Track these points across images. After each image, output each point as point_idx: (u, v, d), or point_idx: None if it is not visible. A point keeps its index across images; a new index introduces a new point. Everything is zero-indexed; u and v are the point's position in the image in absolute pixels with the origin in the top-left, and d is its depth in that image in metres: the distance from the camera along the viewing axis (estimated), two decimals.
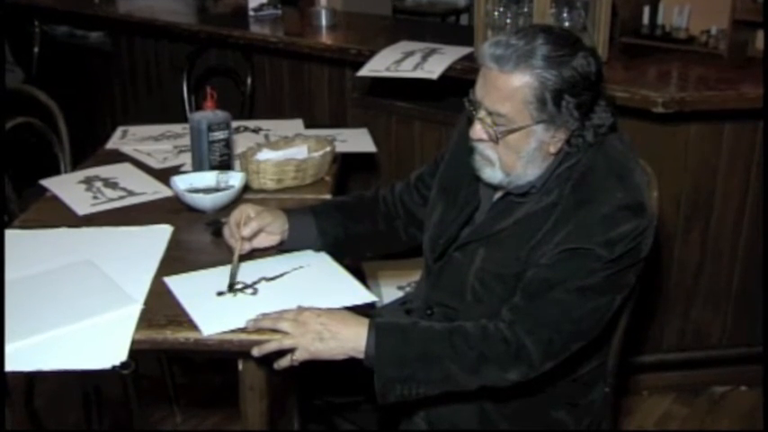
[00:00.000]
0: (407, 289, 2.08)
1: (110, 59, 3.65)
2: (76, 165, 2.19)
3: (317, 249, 1.59)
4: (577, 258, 1.29)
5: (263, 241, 1.56)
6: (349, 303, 1.39)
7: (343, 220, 1.62)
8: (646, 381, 2.40)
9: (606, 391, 1.56)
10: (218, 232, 1.67)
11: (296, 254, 1.57)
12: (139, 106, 3.65)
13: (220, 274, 1.48)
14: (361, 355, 1.31)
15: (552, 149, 1.34)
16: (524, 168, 1.35)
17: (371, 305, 1.47)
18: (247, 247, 1.54)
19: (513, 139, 1.33)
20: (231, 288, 1.43)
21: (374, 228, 1.66)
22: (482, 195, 1.47)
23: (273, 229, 1.55)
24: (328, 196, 1.92)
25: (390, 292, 2.05)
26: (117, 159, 2.19)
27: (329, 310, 1.34)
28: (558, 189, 1.34)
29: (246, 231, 1.51)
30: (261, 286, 1.45)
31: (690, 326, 2.38)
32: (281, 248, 1.58)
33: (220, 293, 1.41)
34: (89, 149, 2.31)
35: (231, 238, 1.54)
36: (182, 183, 1.85)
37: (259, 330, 1.31)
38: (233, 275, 1.45)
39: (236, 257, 1.48)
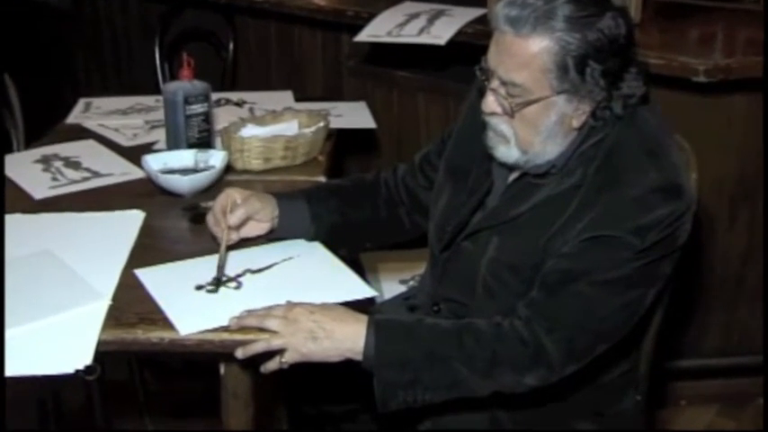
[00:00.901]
0: (411, 283, 2.11)
1: (69, 21, 3.67)
2: (31, 142, 2.22)
3: (311, 238, 1.61)
4: (604, 247, 1.31)
5: (251, 230, 1.59)
6: (345, 298, 1.42)
7: (340, 206, 1.65)
8: (684, 389, 2.43)
9: (637, 399, 1.58)
10: (196, 218, 1.70)
11: (286, 243, 1.60)
12: (105, 75, 3.67)
13: (199, 266, 1.51)
14: (359, 357, 1.34)
15: (575, 124, 1.36)
16: (543, 145, 1.37)
17: (371, 301, 1.49)
18: (235, 236, 1.56)
19: (530, 112, 1.34)
20: (219, 283, 1.46)
21: (374, 214, 1.69)
22: (495, 177, 1.50)
23: (262, 216, 1.58)
24: (322, 178, 1.95)
25: (392, 287, 2.08)
26: (79, 136, 2.21)
27: (323, 305, 1.37)
28: (582, 169, 1.36)
29: (233, 219, 1.53)
30: (246, 279, 1.47)
31: (735, 326, 2.39)
32: (270, 237, 1.61)
33: (199, 287, 1.44)
34: (46, 124, 2.34)
35: (216, 227, 1.56)
36: (155, 162, 1.87)
37: (243, 329, 1.34)
38: (220, 268, 1.48)
39: (223, 248, 1.50)
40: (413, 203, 1.70)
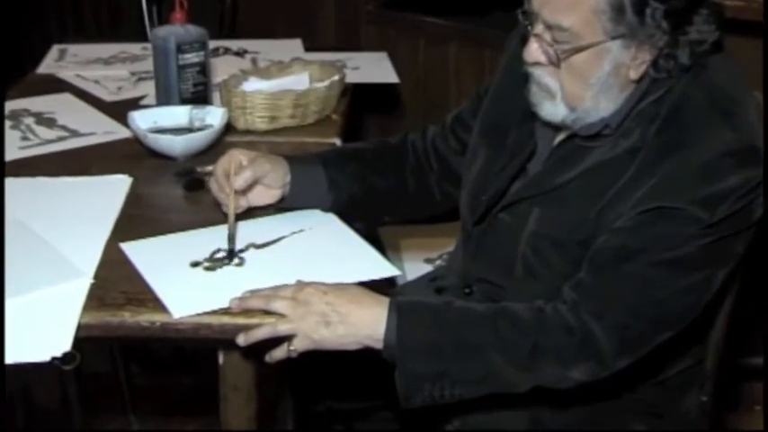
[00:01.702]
0: (438, 262, 2.12)
1: None
2: None
3: (327, 208, 1.63)
4: (665, 221, 1.31)
5: (258, 197, 1.60)
6: (364, 278, 1.43)
7: (362, 173, 1.66)
8: (759, 392, 2.43)
9: (703, 400, 1.59)
10: (191, 185, 1.72)
11: (296, 214, 1.62)
12: (81, 18, 3.68)
13: (195, 240, 1.53)
14: (378, 345, 1.35)
15: (633, 75, 1.36)
16: (595, 101, 1.37)
17: (391, 282, 1.51)
18: (244, 203, 1.58)
19: (579, 61, 1.34)
20: (232, 255, 1.48)
21: (401, 183, 1.70)
22: (539, 139, 1.50)
23: (272, 180, 1.59)
24: (337, 141, 1.96)
25: (416, 267, 2.09)
26: (53, 88, 2.24)
27: (338, 285, 1.38)
28: (641, 129, 1.36)
29: (239, 182, 1.54)
30: (249, 255, 1.49)
31: None
32: (280, 206, 1.62)
33: (195, 264, 1.46)
34: (13, 75, 2.36)
35: (221, 193, 1.58)
36: (143, 120, 1.89)
37: (246, 312, 1.35)
38: (231, 238, 1.50)
39: (231, 216, 1.52)
40: (444, 171, 1.71)
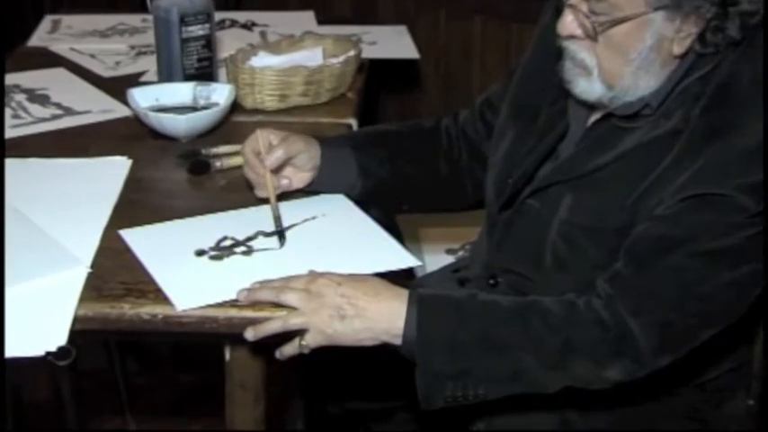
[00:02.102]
0: (460, 253, 2.13)
1: None
2: None
3: (354, 195, 1.64)
4: (709, 209, 1.31)
5: (288, 180, 1.60)
6: (381, 268, 1.44)
7: (393, 158, 1.67)
8: None
9: (749, 404, 1.60)
10: (196, 168, 1.73)
11: (308, 199, 1.63)
12: None
13: (201, 227, 1.54)
14: (397, 341, 1.36)
15: (677, 50, 1.36)
16: (635, 78, 1.37)
17: (411, 273, 1.51)
18: (284, 182, 1.58)
19: (618, 34, 1.34)
20: (281, 237, 1.49)
21: (434, 171, 1.71)
22: (572, 118, 1.50)
23: (303, 161, 1.60)
24: (351, 121, 1.97)
25: (436, 258, 2.11)
26: (46, 63, 2.25)
27: (353, 276, 1.39)
28: (684, 110, 1.36)
29: (271, 160, 1.55)
30: (258, 243, 1.50)
31: None
32: (307, 190, 1.63)
33: (201, 253, 1.47)
34: (2, 48, 2.36)
35: (251, 172, 1.59)
36: (143, 98, 1.90)
37: (255, 304, 1.36)
38: (277, 220, 1.51)
39: (272, 196, 1.53)
40: (474, 158, 1.71)
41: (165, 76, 2.00)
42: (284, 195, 1.60)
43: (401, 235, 2.17)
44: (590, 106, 1.46)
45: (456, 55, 2.72)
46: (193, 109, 1.90)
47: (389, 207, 1.77)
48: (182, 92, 1.94)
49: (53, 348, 1.28)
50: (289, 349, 1.38)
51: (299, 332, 1.36)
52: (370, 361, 1.44)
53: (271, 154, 1.55)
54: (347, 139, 1.68)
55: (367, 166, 1.65)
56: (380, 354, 1.39)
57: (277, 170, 1.58)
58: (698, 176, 1.31)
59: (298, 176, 1.61)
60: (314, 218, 1.57)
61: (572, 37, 1.39)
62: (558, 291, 1.40)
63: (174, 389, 2.59)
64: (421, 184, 1.71)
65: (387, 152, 1.67)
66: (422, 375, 1.35)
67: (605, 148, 1.42)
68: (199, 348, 2.48)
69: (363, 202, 1.64)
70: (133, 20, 2.50)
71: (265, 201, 1.57)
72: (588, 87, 1.41)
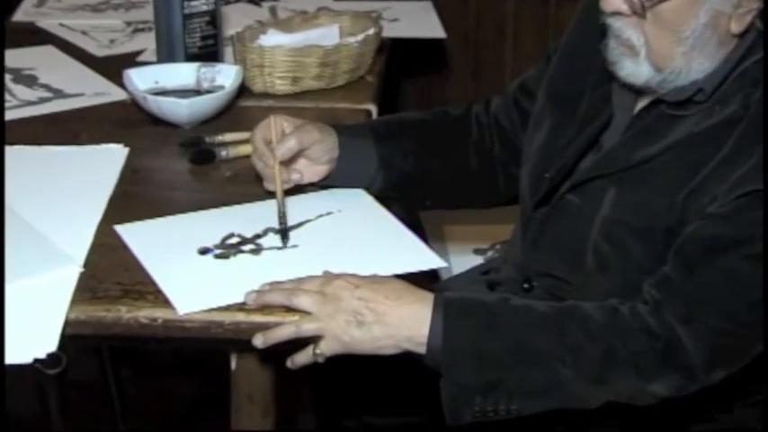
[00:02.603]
0: (490, 253, 2.13)
1: None
2: None
3: (374, 190, 1.65)
4: None
5: (300, 173, 1.60)
6: (403, 269, 1.44)
7: (418, 149, 1.67)
8: None
9: None
10: (199, 157, 1.73)
11: (323, 193, 1.63)
12: None
13: (204, 223, 1.54)
14: (420, 349, 1.35)
15: (735, 28, 1.35)
16: (687, 59, 1.36)
17: (435, 275, 1.51)
18: (295, 176, 1.58)
19: (669, 9, 1.34)
20: (284, 236, 1.49)
21: (462, 164, 1.71)
22: (616, 105, 1.50)
23: (319, 152, 1.60)
24: (371, 107, 1.97)
25: (463, 258, 2.11)
26: (33, 40, 2.25)
27: (372, 278, 1.39)
28: (742, 96, 1.35)
29: (283, 150, 1.54)
30: (267, 241, 1.50)
31: None
32: (322, 184, 1.63)
33: (205, 251, 1.47)
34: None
35: (260, 163, 1.59)
36: (141, 80, 1.90)
37: (265, 308, 1.36)
38: (282, 217, 1.50)
39: (279, 191, 1.53)
40: (507, 150, 1.71)
41: (165, 55, 2.00)
42: (297, 188, 1.61)
43: (425, 233, 2.18)
44: (637, 91, 1.46)
45: (487, 34, 2.71)
46: (196, 92, 1.91)
47: (412, 203, 1.77)
48: (183, 73, 1.95)
49: (42, 355, 1.29)
50: (301, 358, 1.38)
51: (313, 339, 1.36)
52: (390, 371, 1.44)
53: (282, 143, 1.55)
54: (367, 128, 1.68)
55: (389, 159, 1.65)
56: (401, 363, 1.38)
57: (289, 161, 1.58)
58: (757, 171, 1.31)
59: (311, 169, 1.61)
60: (329, 213, 1.58)
61: (617, 13, 1.38)
62: (599, 295, 1.40)
63: (172, 400, 2.60)
64: (448, 179, 1.72)
65: (411, 143, 1.67)
66: (447, 387, 1.35)
67: (653, 138, 1.42)
68: (200, 356, 2.49)
69: (383, 198, 1.64)
70: None
71: (274, 194, 1.57)
72: (635, 70, 1.40)
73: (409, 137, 1.68)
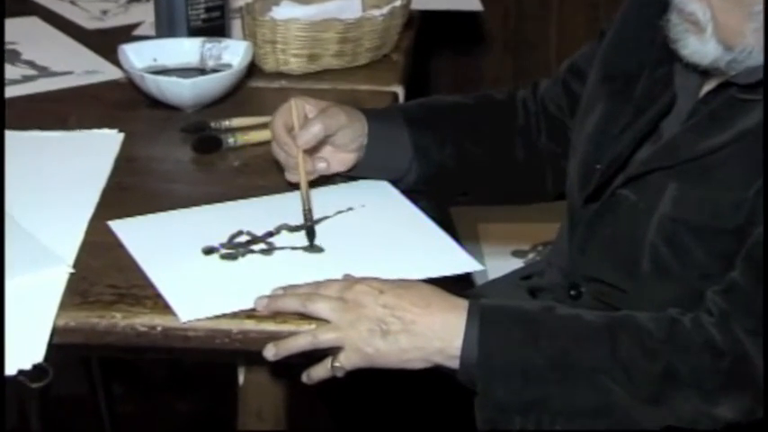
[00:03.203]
0: (531, 255, 2.13)
1: None
2: None
3: (407, 183, 1.65)
4: None
5: (326, 162, 1.60)
6: (434, 273, 1.44)
7: (457, 138, 1.68)
8: None
9: None
10: (204, 145, 1.74)
11: (342, 186, 1.64)
12: None
13: (210, 219, 1.55)
14: (453, 363, 1.35)
15: None
16: (758, 37, 1.36)
17: (469, 280, 1.50)
18: (321, 165, 1.59)
19: None
20: (311, 234, 1.49)
21: (506, 154, 1.72)
22: (679, 88, 1.49)
23: (346, 139, 1.60)
24: (397, 89, 1.97)
25: (501, 261, 2.10)
26: (15, 10, 2.25)
27: (398, 282, 1.38)
28: None
29: (306, 137, 1.55)
30: (281, 240, 1.50)
31: None
32: (348, 175, 1.64)
33: (210, 251, 1.47)
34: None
35: (281, 151, 1.60)
36: (138, 57, 1.91)
37: (278, 316, 1.36)
38: (307, 214, 1.51)
39: (303, 183, 1.54)
40: (555, 140, 1.72)
41: (165, 29, 2.01)
42: (315, 181, 1.60)
43: (456, 232, 2.17)
44: (702, 72, 1.46)
45: (530, 7, 2.71)
46: (200, 71, 1.92)
47: (446, 197, 1.77)
48: (186, 50, 1.96)
49: (27, 366, 1.28)
50: (319, 372, 1.38)
51: (331, 351, 1.36)
52: (417, 387, 1.45)
53: (306, 129, 1.55)
54: (399, 112, 1.68)
55: (425, 148, 1.65)
56: (431, 378, 1.38)
57: (313, 150, 1.58)
58: None
59: (338, 158, 1.62)
60: (350, 209, 1.58)
61: None
62: (656, 304, 1.40)
63: (170, 420, 2.61)
64: (491, 171, 1.72)
65: (449, 130, 1.68)
66: (483, 406, 1.35)
67: (721, 125, 1.41)
68: (203, 369, 2.49)
69: (410, 191, 1.65)
70: None
71: (294, 187, 1.57)
72: (700, 48, 1.40)
73: (447, 123, 1.69)
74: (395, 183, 1.66)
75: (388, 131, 1.64)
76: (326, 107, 1.59)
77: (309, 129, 1.55)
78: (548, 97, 1.74)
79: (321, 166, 1.59)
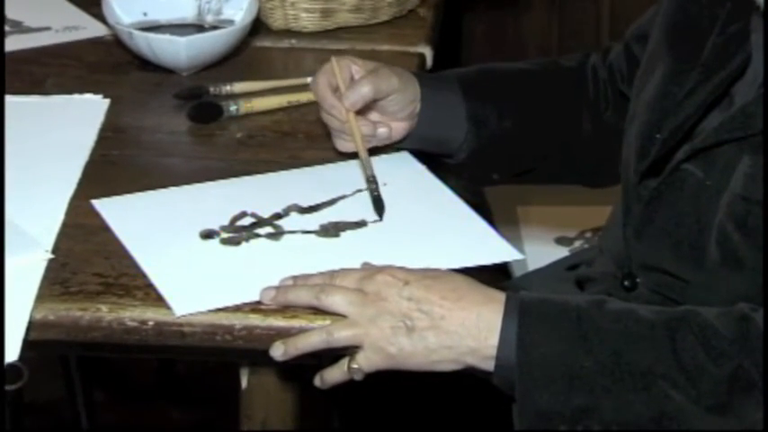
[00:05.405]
0: (578, 243, 2.12)
1: None
2: None
3: (459, 157, 1.66)
4: None
5: (387, 127, 1.62)
6: (467, 263, 1.44)
7: (519, 107, 1.69)
8: None
9: None
10: (202, 113, 1.74)
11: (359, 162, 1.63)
12: None
13: (208, 197, 1.56)
14: (489, 365, 1.35)
15: None
16: None
17: (506, 270, 1.50)
18: (383, 130, 1.60)
19: None
20: (379, 207, 1.51)
21: (574, 128, 1.73)
22: (754, 47, 1.47)
23: (398, 104, 1.61)
24: (424, 50, 1.97)
25: (542, 249, 2.10)
26: None
27: (425, 272, 1.38)
28: None
29: (355, 97, 1.56)
30: (290, 223, 1.51)
31: None
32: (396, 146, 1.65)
33: (209, 235, 1.48)
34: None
35: (331, 117, 1.61)
36: (126, 11, 1.92)
37: (286, 309, 1.36)
38: (371, 182, 1.53)
39: (362, 150, 1.56)
40: (621, 114, 1.71)
41: None
42: (327, 156, 1.63)
43: (491, 215, 2.17)
44: None
45: None
46: (198, 28, 1.92)
47: (490, 176, 1.76)
48: (181, 3, 1.96)
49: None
50: (333, 374, 1.38)
51: (348, 350, 1.36)
52: (446, 391, 1.46)
53: (353, 89, 1.57)
54: (453, 78, 1.68)
55: (482, 118, 1.66)
56: (463, 381, 1.40)
57: (360, 115, 1.59)
58: None
59: (391, 125, 1.63)
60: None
61: None
62: (724, 298, 1.40)
63: (156, 428, 2.62)
64: (555, 146, 1.73)
65: (511, 99, 1.69)
66: (523, 414, 1.35)
67: None
68: (201, 371, 2.50)
69: (456, 166, 1.67)
70: None
71: (306, 162, 1.59)
72: None
73: (509, 91, 1.70)
74: (446, 158, 1.67)
75: (443, 98, 1.65)
76: (376, 67, 1.61)
77: (357, 88, 1.57)
78: (614, 65, 1.74)
79: (382, 131, 1.61)
